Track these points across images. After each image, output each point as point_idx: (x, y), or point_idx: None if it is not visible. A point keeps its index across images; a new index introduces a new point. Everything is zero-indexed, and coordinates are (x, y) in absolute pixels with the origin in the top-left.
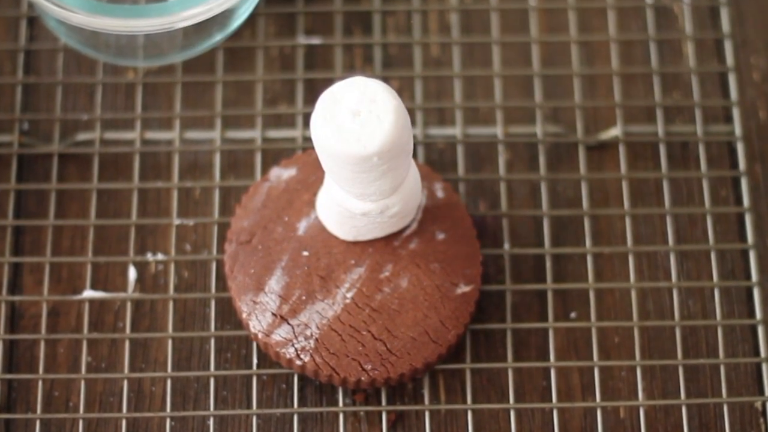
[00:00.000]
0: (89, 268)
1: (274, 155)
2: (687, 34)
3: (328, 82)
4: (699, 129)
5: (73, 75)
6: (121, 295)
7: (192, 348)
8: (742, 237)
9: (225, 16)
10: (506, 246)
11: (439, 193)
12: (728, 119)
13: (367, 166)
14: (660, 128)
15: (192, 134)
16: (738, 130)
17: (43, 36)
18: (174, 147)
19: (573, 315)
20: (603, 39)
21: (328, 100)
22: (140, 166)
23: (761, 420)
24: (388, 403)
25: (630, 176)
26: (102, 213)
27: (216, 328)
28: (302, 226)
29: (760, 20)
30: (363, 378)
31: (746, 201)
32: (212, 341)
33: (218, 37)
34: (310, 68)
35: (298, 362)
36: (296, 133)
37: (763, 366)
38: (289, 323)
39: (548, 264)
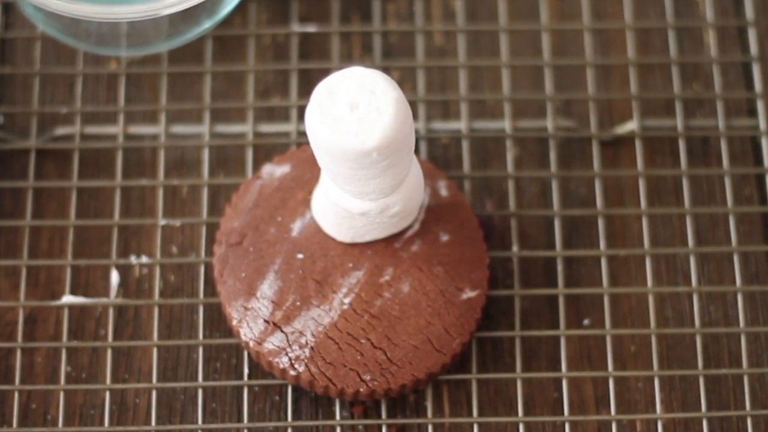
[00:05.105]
0: (69, 271)
1: (266, 151)
2: (708, 21)
3: (325, 73)
4: (721, 123)
5: (51, 65)
6: (103, 300)
7: (179, 357)
8: (767, 238)
9: (214, 2)
10: (515, 248)
11: (443, 192)
12: (752, 112)
13: (366, 163)
14: (679, 122)
15: (179, 128)
16: (762, 123)
17: (20, 23)
18: (159, 142)
19: (586, 322)
20: (618, 27)
21: (324, 91)
22: (123, 162)
23: None
24: (389, 416)
25: (647, 173)
26: (82, 213)
27: (204, 336)
28: (297, 227)
29: None
30: (361, 389)
31: None
32: (200, 350)
33: (207, 25)
34: (304, 58)
35: (292, 372)
36: (290, 127)
37: None
38: (282, 331)
39: (560, 267)
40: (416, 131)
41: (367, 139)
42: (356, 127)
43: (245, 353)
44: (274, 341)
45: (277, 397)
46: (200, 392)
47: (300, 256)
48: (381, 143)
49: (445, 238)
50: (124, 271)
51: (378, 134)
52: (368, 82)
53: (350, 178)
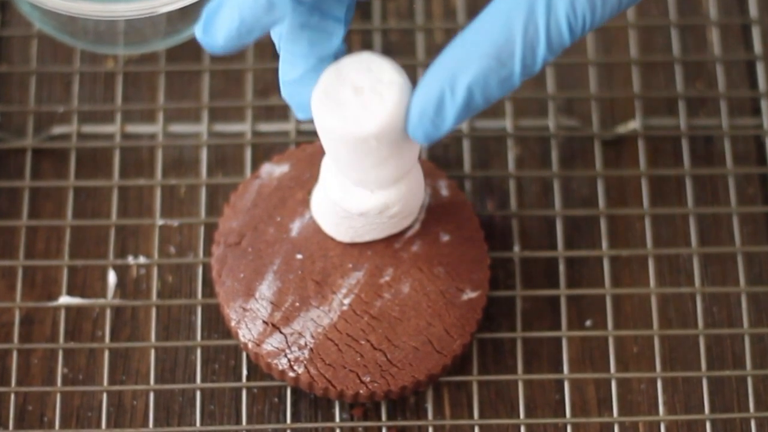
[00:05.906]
0: (65, 272)
1: (265, 150)
2: (712, 19)
3: None
4: (724, 122)
5: (48, 64)
6: (100, 301)
7: (176, 359)
8: None
9: None
10: (516, 248)
11: (444, 192)
12: (756, 111)
13: (366, 149)
14: (682, 121)
15: (177, 128)
16: (766, 122)
17: (16, 21)
18: (157, 141)
19: (588, 323)
20: (621, 24)
21: (333, 74)
22: (121, 162)
23: None
24: (389, 418)
25: (650, 173)
26: (79, 213)
27: (202, 337)
28: (296, 227)
29: None
30: (361, 391)
31: None
32: (198, 351)
33: None
34: None
35: (292, 374)
36: (289, 126)
37: None
38: (281, 332)
39: (561, 268)
40: None
41: (366, 124)
42: (358, 111)
43: (244, 354)
44: (273, 342)
45: (276, 399)
46: (198, 394)
47: (299, 256)
48: (380, 130)
49: (445, 238)
50: (122, 271)
51: (378, 120)
52: (376, 68)
53: (351, 164)
